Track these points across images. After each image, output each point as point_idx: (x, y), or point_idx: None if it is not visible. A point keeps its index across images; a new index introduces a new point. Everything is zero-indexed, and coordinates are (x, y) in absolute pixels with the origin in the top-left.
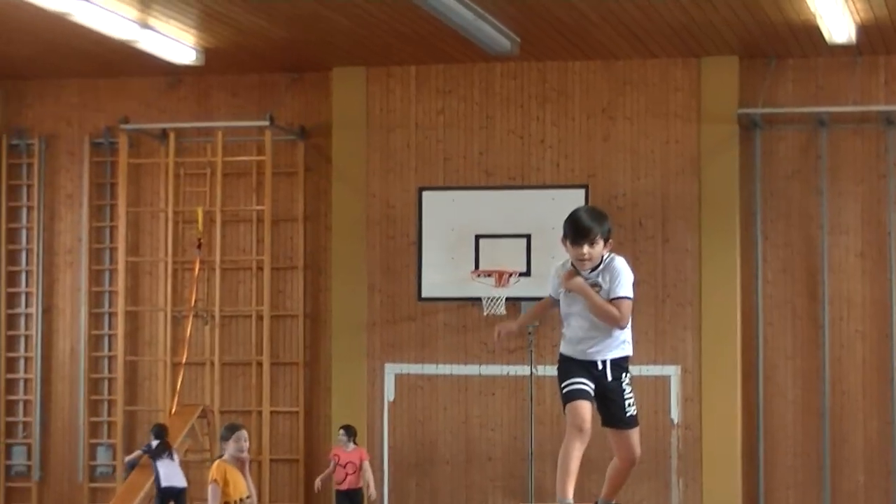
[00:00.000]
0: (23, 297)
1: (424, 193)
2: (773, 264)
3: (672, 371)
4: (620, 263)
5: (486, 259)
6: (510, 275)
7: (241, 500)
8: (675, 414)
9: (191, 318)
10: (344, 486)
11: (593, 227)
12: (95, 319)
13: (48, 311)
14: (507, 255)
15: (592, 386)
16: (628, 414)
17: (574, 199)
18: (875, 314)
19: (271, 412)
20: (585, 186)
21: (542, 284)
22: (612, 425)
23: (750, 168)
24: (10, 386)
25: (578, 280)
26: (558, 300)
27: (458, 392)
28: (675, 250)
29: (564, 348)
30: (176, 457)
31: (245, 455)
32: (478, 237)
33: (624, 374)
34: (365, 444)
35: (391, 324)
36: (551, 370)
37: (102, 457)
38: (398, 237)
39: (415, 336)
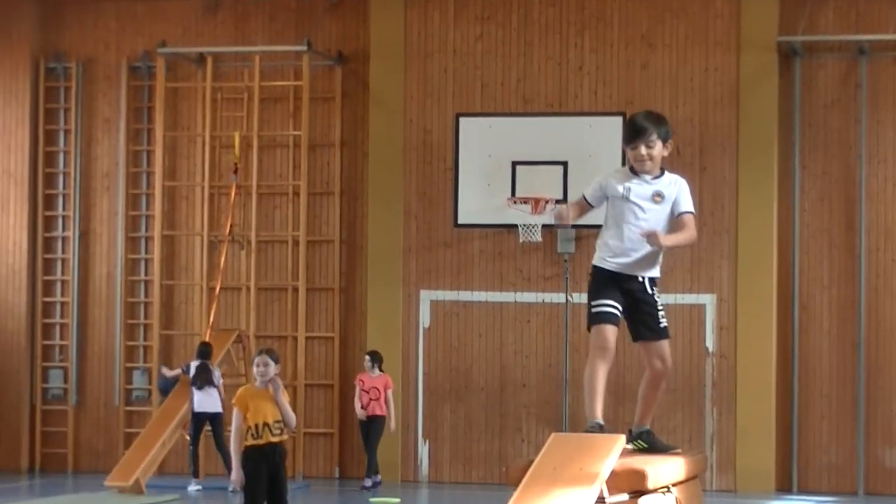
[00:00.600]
0: (60, 221)
1: (462, 120)
2: (811, 193)
3: (708, 300)
4: (682, 180)
5: (522, 186)
6: (546, 202)
7: (265, 424)
8: (710, 342)
9: (226, 243)
10: (368, 413)
11: (649, 126)
12: (132, 244)
13: (85, 234)
14: (544, 182)
15: (621, 308)
16: (661, 325)
17: (612, 127)
18: None
19: (306, 338)
20: (623, 114)
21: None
22: (645, 338)
23: (789, 97)
24: (47, 309)
25: (666, 238)
26: (592, 206)
27: (493, 319)
28: (712, 179)
29: (602, 261)
30: (217, 380)
31: (270, 379)
32: (514, 164)
33: (656, 288)
34: (399, 371)
35: (427, 250)
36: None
37: (138, 381)
38: (435, 163)
39: (450, 263)
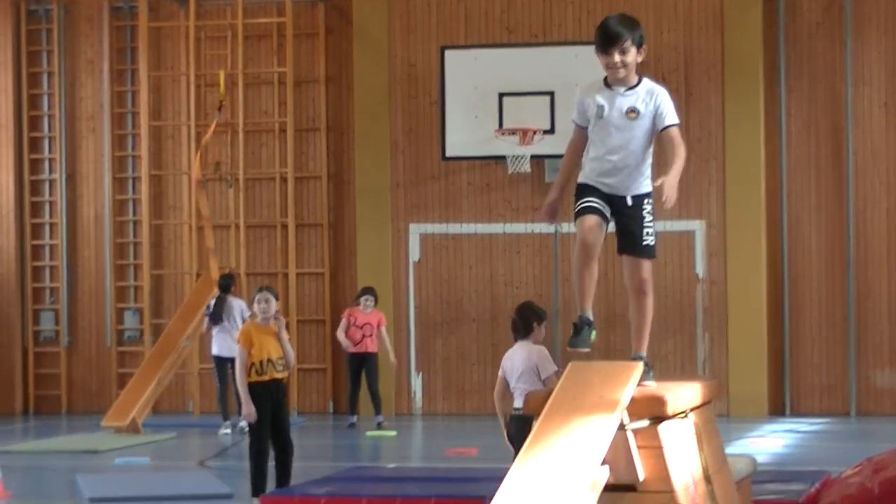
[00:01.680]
0: (46, 164)
1: (447, 52)
2: (797, 117)
3: (697, 226)
4: (662, 89)
5: (509, 117)
6: (534, 132)
7: (269, 360)
8: (700, 269)
9: (199, 180)
10: (359, 349)
11: (622, 32)
12: (119, 184)
13: (72, 176)
14: (531, 113)
15: (607, 207)
16: (644, 242)
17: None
18: None
19: (297, 274)
20: None
21: (567, 142)
22: (626, 251)
23: (773, 21)
24: (36, 252)
25: (668, 182)
26: (586, 128)
27: (483, 251)
28: (698, 105)
29: (586, 179)
30: (235, 316)
31: (272, 315)
32: (501, 95)
33: (646, 202)
34: (391, 305)
35: (415, 184)
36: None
37: (130, 321)
38: (420, 97)
39: (439, 196)
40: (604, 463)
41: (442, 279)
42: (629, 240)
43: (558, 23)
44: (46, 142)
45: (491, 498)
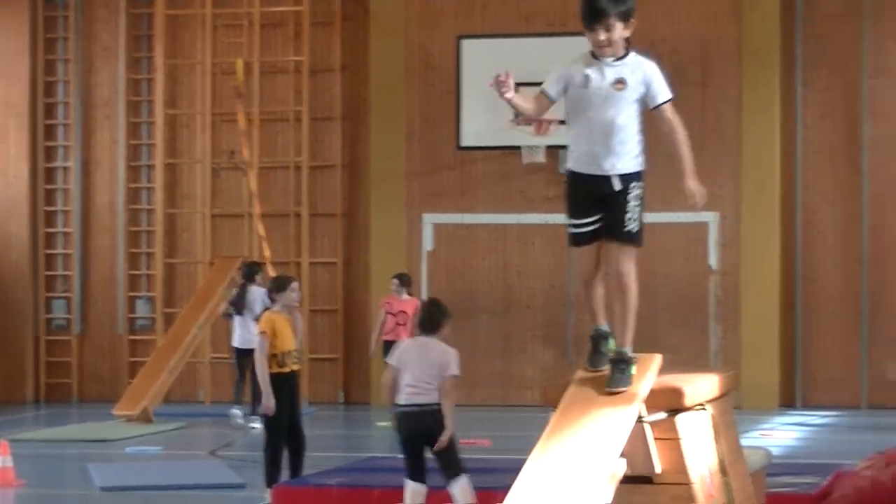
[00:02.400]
0: (60, 151)
1: (463, 41)
2: (814, 109)
3: (710, 217)
4: (651, 62)
5: None
6: (549, 122)
7: (288, 352)
8: (713, 260)
9: (248, 168)
10: (392, 337)
11: (606, 7)
12: (133, 172)
13: (86, 164)
14: None
15: (599, 216)
16: (626, 228)
17: None
18: None
19: (310, 263)
20: None
21: None
22: (608, 237)
23: (791, 11)
24: (50, 240)
25: (692, 185)
26: (553, 98)
27: (497, 241)
28: (715, 96)
29: (573, 162)
30: (256, 306)
31: (296, 306)
32: (517, 85)
33: (633, 185)
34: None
35: (430, 173)
36: None
37: (142, 309)
38: (437, 86)
39: (454, 185)
40: (621, 455)
41: (455, 269)
42: (611, 225)
43: (575, 12)
44: (61, 129)
45: (507, 489)
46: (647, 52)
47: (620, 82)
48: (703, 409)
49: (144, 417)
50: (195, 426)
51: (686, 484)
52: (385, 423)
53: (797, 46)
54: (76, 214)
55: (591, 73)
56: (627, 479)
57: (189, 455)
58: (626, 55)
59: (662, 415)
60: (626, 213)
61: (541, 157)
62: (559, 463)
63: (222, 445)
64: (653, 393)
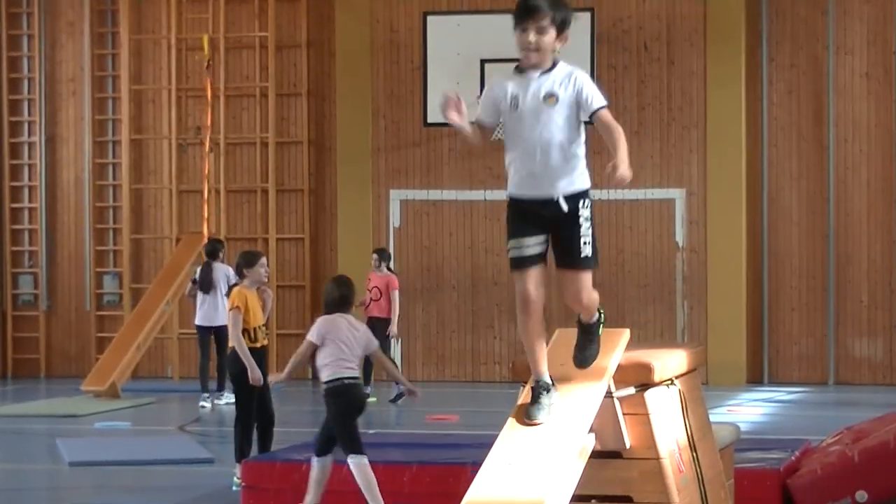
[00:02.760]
0: (25, 126)
1: (429, 18)
2: (779, 86)
3: (677, 194)
4: (580, 71)
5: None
6: None
7: (259, 327)
8: (680, 237)
9: (205, 145)
10: (367, 313)
11: (543, 6)
12: (99, 148)
13: (51, 140)
14: None
15: (542, 242)
16: (582, 254)
17: (579, 24)
18: (880, 136)
19: (277, 239)
20: (591, 10)
21: None
22: (560, 264)
23: None
24: (15, 215)
25: (618, 164)
26: (491, 126)
27: (464, 217)
28: (680, 73)
29: (514, 187)
30: (222, 283)
31: (266, 281)
32: (483, 62)
33: (582, 205)
34: None
35: (396, 150)
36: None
37: (109, 285)
38: (403, 63)
39: (420, 162)
40: (591, 430)
41: (422, 246)
42: (565, 252)
43: None
44: (26, 104)
45: (475, 465)
46: (612, 29)
47: (551, 96)
48: (672, 384)
49: (112, 393)
50: (164, 402)
51: (655, 459)
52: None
53: (762, 23)
54: (42, 190)
55: (519, 91)
56: (597, 455)
57: (158, 430)
58: (553, 67)
59: (631, 390)
60: (579, 237)
61: None
62: (529, 438)
63: (191, 421)
64: (622, 368)
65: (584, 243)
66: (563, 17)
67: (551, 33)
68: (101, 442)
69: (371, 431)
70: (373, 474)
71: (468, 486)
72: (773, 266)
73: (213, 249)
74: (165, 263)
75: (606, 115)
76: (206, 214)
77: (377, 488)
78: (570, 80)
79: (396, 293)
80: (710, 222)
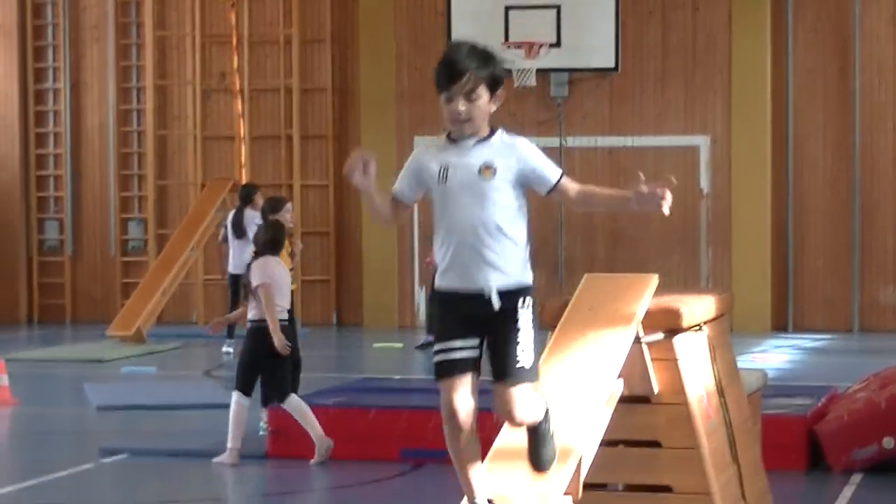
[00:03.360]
0: (50, 73)
1: None
2: (805, 32)
3: (701, 141)
4: (522, 139)
5: (515, 30)
6: (540, 46)
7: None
8: (704, 184)
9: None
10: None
11: (469, 64)
12: (124, 94)
13: (76, 86)
14: (537, 27)
15: (475, 342)
16: (518, 364)
17: None
18: None
19: (301, 186)
20: None
21: (573, 55)
22: (494, 376)
23: None
24: (41, 161)
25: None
26: (405, 203)
27: None
28: (705, 19)
29: (440, 277)
30: (251, 230)
31: (292, 227)
32: (507, 8)
33: (521, 304)
34: None
35: (420, 96)
36: (581, 141)
37: (134, 231)
38: (426, 8)
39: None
40: (619, 376)
41: None
42: (496, 361)
43: None
44: (50, 50)
45: None
46: None
47: (488, 168)
48: (700, 330)
49: (138, 338)
50: (189, 347)
51: (683, 404)
52: (381, 345)
53: None
54: (66, 136)
55: (450, 161)
56: (625, 400)
57: (184, 375)
58: (490, 135)
59: (660, 336)
60: (515, 343)
61: (531, 81)
62: (557, 384)
63: (216, 366)
64: (650, 314)
65: (521, 351)
66: (494, 75)
67: (483, 97)
68: (128, 387)
69: (397, 377)
70: (244, 415)
71: (495, 433)
72: (797, 213)
73: (247, 194)
74: (190, 210)
75: (568, 183)
76: (242, 161)
77: (243, 427)
78: (512, 152)
79: None
80: (735, 169)
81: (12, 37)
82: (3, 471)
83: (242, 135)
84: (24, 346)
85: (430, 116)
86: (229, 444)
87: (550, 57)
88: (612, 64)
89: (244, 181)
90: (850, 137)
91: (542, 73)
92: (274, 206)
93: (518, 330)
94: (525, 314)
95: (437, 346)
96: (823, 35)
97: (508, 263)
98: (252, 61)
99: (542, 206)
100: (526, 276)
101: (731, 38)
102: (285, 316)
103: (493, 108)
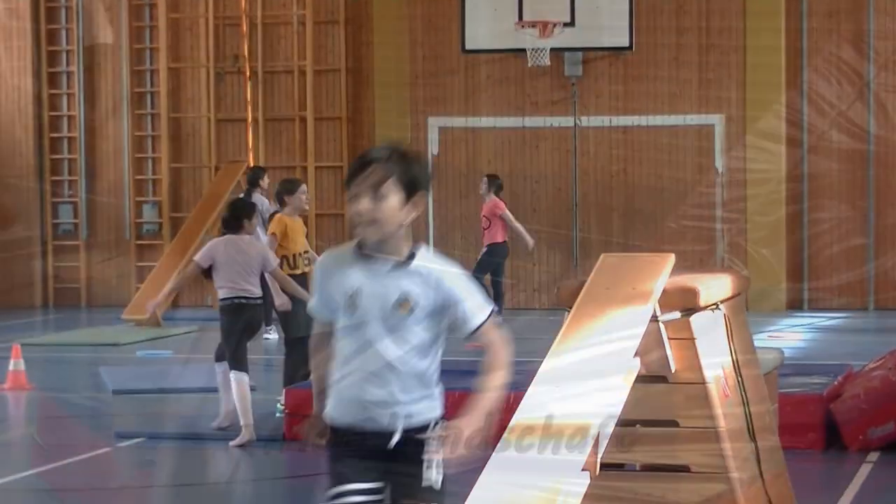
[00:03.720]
0: (63, 56)
1: None
2: (819, 10)
3: (716, 120)
4: (450, 267)
5: (529, 9)
6: (554, 25)
7: (300, 254)
8: (719, 163)
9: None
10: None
11: (379, 157)
12: (137, 77)
13: (89, 69)
14: (551, 5)
15: (377, 486)
16: (423, 483)
17: None
18: None
19: (315, 168)
20: None
21: (587, 34)
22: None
23: None
24: (54, 145)
25: (461, 425)
26: (327, 324)
27: (502, 145)
28: None
29: (333, 408)
30: (261, 213)
31: (307, 208)
32: None
33: (431, 444)
34: None
35: (434, 77)
36: (596, 121)
37: (148, 214)
38: None
39: (458, 89)
40: (636, 355)
41: (460, 173)
42: (396, 493)
43: None
44: (64, 34)
45: (518, 391)
46: None
47: (405, 303)
48: (717, 308)
49: (153, 322)
50: (204, 331)
51: (701, 383)
52: None
53: None
54: (80, 119)
55: (362, 287)
56: (642, 379)
57: (200, 359)
58: (411, 255)
59: (677, 314)
60: (419, 490)
61: (546, 60)
62: (575, 363)
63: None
64: (667, 293)
65: (427, 478)
66: (412, 175)
67: (392, 197)
68: (144, 370)
69: None
70: (249, 391)
71: (508, 412)
72: (812, 191)
73: (254, 177)
74: (205, 192)
75: (491, 330)
76: (249, 144)
77: (249, 404)
78: (435, 283)
79: (507, 213)
80: (750, 148)
81: (26, 20)
82: (20, 455)
83: (251, 119)
84: (39, 330)
85: (444, 97)
86: (242, 422)
87: (564, 36)
88: (626, 43)
89: (252, 164)
90: (865, 115)
91: (556, 52)
92: (289, 188)
93: (421, 466)
94: (431, 457)
95: (329, 493)
96: (838, 13)
97: (419, 401)
98: (265, 43)
99: (555, 189)
100: (433, 410)
101: (745, 17)
102: (228, 294)
103: (409, 216)
